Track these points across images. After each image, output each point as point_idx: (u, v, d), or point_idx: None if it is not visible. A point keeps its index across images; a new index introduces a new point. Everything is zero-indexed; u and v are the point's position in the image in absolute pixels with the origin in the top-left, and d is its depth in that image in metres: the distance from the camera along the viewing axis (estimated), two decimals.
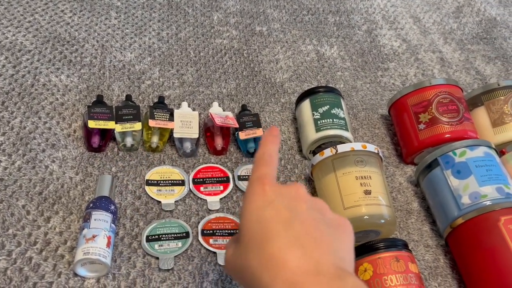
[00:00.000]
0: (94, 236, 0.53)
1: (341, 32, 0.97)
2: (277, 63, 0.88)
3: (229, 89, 0.81)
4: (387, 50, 0.94)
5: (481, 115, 0.74)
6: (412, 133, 0.71)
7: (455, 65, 0.93)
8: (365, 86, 0.86)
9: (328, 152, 0.63)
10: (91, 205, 0.57)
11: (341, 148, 0.63)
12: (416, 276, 0.52)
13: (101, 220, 0.55)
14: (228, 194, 0.65)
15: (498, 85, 0.73)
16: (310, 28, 0.97)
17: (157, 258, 0.56)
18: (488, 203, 0.58)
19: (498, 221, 0.56)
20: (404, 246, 0.55)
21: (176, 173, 0.66)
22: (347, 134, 0.70)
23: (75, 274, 0.53)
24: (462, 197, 0.60)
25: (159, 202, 0.63)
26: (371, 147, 0.63)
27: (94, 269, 0.53)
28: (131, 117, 0.69)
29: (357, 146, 0.63)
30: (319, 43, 0.94)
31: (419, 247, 0.63)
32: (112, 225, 0.56)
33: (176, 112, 0.71)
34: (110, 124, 0.67)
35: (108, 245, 0.54)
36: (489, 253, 0.55)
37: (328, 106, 0.72)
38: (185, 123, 0.70)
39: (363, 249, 0.54)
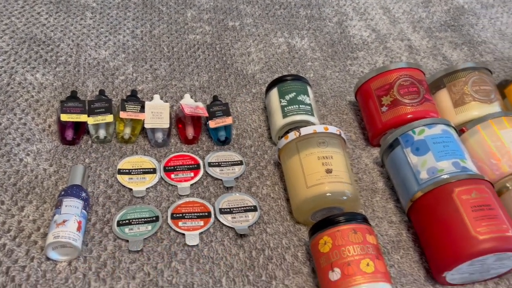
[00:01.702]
0: (64, 221, 0.56)
1: (312, 24, 1.00)
2: (249, 55, 0.90)
3: (201, 82, 0.84)
4: (357, 40, 0.97)
5: (443, 97, 0.77)
6: (376, 116, 0.74)
7: (423, 51, 0.95)
8: (334, 74, 0.88)
9: (292, 135, 0.66)
10: (62, 193, 0.59)
11: (304, 131, 0.65)
12: (373, 247, 0.55)
13: (71, 206, 0.57)
14: (198, 180, 0.68)
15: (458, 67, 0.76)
16: (282, 21, 1.00)
17: (127, 241, 0.58)
18: (444, 176, 0.60)
19: (452, 193, 0.58)
20: (363, 220, 0.57)
21: (147, 162, 0.69)
22: (313, 119, 0.72)
23: (47, 258, 0.55)
24: (420, 172, 0.62)
25: (130, 189, 0.65)
26: (333, 129, 0.66)
27: (65, 253, 0.55)
28: (103, 110, 0.71)
29: (319, 128, 0.65)
30: (290, 35, 0.96)
31: (383, 223, 0.65)
32: (83, 211, 0.58)
33: (147, 104, 0.73)
34: (83, 117, 0.70)
35: (78, 229, 0.56)
36: (444, 222, 0.57)
37: (294, 93, 0.74)
38: (156, 114, 0.72)
39: (324, 224, 0.56)
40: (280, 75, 0.86)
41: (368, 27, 1.00)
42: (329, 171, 0.62)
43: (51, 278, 0.54)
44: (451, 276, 0.57)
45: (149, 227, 0.60)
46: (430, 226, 0.59)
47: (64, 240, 0.54)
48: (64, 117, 0.69)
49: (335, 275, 0.53)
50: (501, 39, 1.00)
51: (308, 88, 0.76)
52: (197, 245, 0.59)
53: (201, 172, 0.68)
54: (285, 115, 0.72)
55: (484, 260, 0.54)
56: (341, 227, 0.55)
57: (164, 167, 0.68)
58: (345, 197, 0.62)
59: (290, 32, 0.97)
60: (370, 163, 0.73)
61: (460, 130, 0.71)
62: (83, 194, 0.60)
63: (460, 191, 0.58)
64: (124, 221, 0.60)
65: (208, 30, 0.95)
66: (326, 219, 0.57)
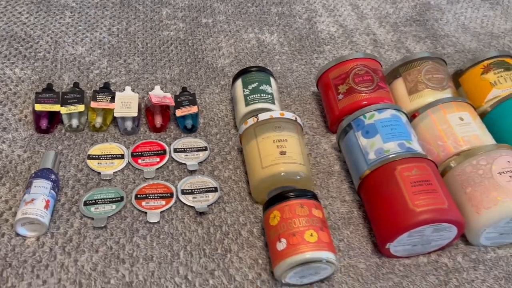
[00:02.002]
0: (33, 200, 0.60)
1: (282, 21, 1.04)
2: (219, 50, 0.95)
3: (172, 75, 0.88)
4: (324, 35, 1.01)
5: (399, 85, 0.81)
6: (333, 103, 0.78)
7: (387, 45, 1.00)
8: (300, 67, 0.93)
9: (251, 121, 0.70)
10: (33, 175, 0.64)
11: (262, 116, 0.69)
12: (319, 220, 0.59)
13: (40, 187, 0.62)
14: (164, 164, 0.72)
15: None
16: (253, 18, 1.04)
17: (93, 218, 0.63)
18: (390, 156, 0.64)
19: (395, 170, 0.62)
20: (312, 196, 0.61)
21: (116, 148, 0.73)
22: (274, 107, 0.77)
23: (17, 234, 0.59)
24: (369, 153, 0.67)
25: (99, 173, 0.69)
26: (289, 115, 0.70)
27: (33, 229, 0.60)
28: (76, 100, 0.76)
29: (276, 114, 0.69)
30: (261, 31, 1.01)
31: (336, 202, 0.69)
32: (52, 191, 0.63)
33: (117, 94, 0.78)
34: (56, 107, 0.74)
35: (46, 207, 0.60)
36: (387, 197, 0.61)
37: (257, 83, 0.78)
38: (125, 104, 0.77)
39: (274, 200, 0.60)
40: None
41: (336, 23, 1.05)
42: (283, 153, 0.66)
43: (20, 252, 0.58)
44: (394, 248, 0.61)
45: (114, 207, 0.64)
46: (375, 201, 0.63)
47: (31, 217, 0.58)
48: (38, 107, 0.73)
49: (281, 245, 0.57)
50: (463, 32, 1.05)
51: (271, 79, 0.81)
52: (158, 222, 0.63)
53: (167, 157, 0.73)
54: (247, 104, 0.76)
55: (422, 231, 0.58)
56: (289, 202, 0.59)
57: (132, 153, 0.73)
58: (298, 177, 0.66)
59: (260, 28, 1.01)
60: (328, 148, 0.77)
61: (412, 116, 0.75)
62: (53, 177, 0.64)
63: (402, 168, 0.62)
64: (90, 201, 0.65)
65: (182, 27, 1.00)
66: (276, 196, 0.61)
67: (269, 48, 0.96)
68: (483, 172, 0.63)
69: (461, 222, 0.59)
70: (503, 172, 0.62)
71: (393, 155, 0.64)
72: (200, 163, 0.73)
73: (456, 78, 0.85)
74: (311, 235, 0.57)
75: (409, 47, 1.00)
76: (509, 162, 0.63)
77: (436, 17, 1.09)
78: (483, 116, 0.77)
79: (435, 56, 0.82)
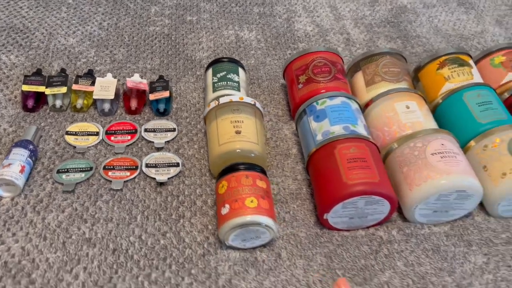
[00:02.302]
0: (9, 164, 0.68)
1: (262, 20, 1.11)
2: (199, 44, 1.02)
3: (153, 65, 0.96)
4: (300, 33, 1.08)
5: (359, 78, 0.87)
6: (294, 92, 0.84)
7: (358, 44, 1.06)
8: (273, 62, 0.99)
9: (213, 104, 0.77)
10: (13, 144, 0.71)
11: (222, 100, 0.76)
12: (262, 190, 0.65)
13: (18, 154, 0.69)
14: (134, 142, 0.79)
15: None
16: (236, 17, 1.12)
17: (63, 184, 0.70)
18: (333, 136, 0.70)
19: (335, 149, 0.68)
20: (258, 170, 0.67)
21: (92, 127, 0.81)
22: (238, 94, 0.83)
23: None
24: (317, 135, 0.72)
25: (74, 147, 0.77)
26: (248, 100, 0.77)
27: (9, 190, 0.67)
28: (60, 83, 0.84)
29: (235, 98, 0.76)
30: (240, 28, 1.08)
31: (288, 180, 0.75)
32: (29, 159, 0.70)
33: (98, 79, 0.86)
34: (41, 88, 0.82)
35: (21, 171, 0.68)
36: (325, 172, 0.67)
37: (225, 72, 0.85)
38: (104, 87, 0.84)
39: (224, 171, 0.67)
40: None
41: (313, 23, 1.11)
42: (238, 132, 0.73)
43: None
44: (332, 219, 0.66)
45: (83, 175, 0.71)
46: (317, 176, 0.69)
47: (7, 178, 0.66)
48: (25, 87, 0.81)
49: (225, 210, 0.63)
50: (434, 34, 1.10)
51: (240, 69, 0.87)
52: (121, 189, 0.70)
53: (137, 136, 0.80)
54: (214, 90, 0.83)
55: (355, 202, 0.64)
56: (236, 173, 0.66)
57: (106, 131, 0.80)
58: (253, 155, 0.72)
59: (240, 26, 1.09)
60: (289, 133, 0.84)
61: (366, 105, 0.81)
62: (31, 147, 0.72)
63: (341, 147, 0.68)
64: (63, 170, 0.72)
65: (167, 23, 1.08)
66: (226, 168, 0.67)
67: (246, 44, 1.03)
68: (418, 153, 0.68)
69: (391, 196, 0.64)
70: (435, 153, 0.67)
71: (336, 136, 0.70)
72: (168, 142, 0.80)
73: (416, 73, 0.90)
74: (252, 201, 0.63)
75: (380, 46, 1.05)
76: (442, 144, 0.68)
77: (410, 20, 1.14)
78: (436, 108, 0.83)
79: (394, 51, 0.88)
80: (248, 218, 0.61)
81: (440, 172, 0.65)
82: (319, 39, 1.06)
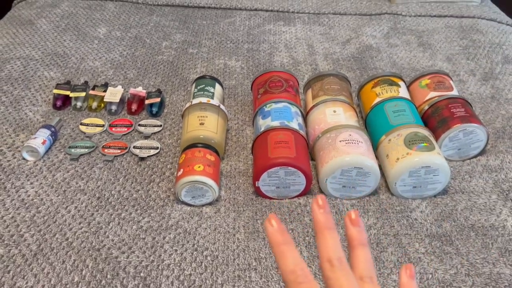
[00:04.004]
0: (35, 138, 0.95)
1: (249, 54, 1.38)
2: (194, 69, 1.29)
3: (155, 82, 1.23)
4: (276, 63, 1.33)
5: (309, 93, 1.09)
6: (255, 101, 1.08)
7: None
8: (249, 83, 1.24)
9: (187, 104, 1.02)
10: (40, 127, 0.99)
11: (194, 101, 1.01)
12: (209, 161, 0.87)
13: (42, 132, 0.97)
14: (129, 132, 1.05)
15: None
16: (228, 51, 1.39)
17: (70, 154, 0.96)
18: (270, 128, 0.92)
19: (268, 135, 0.90)
20: (210, 148, 0.90)
21: (100, 121, 1.07)
22: (211, 101, 1.08)
23: (23, 158, 0.93)
24: (261, 128, 0.95)
25: (85, 133, 1.03)
26: (214, 102, 1.01)
27: (32, 155, 0.93)
28: (81, 89, 1.12)
29: (204, 100, 1.01)
30: (229, 59, 1.35)
31: (240, 163, 0.97)
32: (50, 137, 0.97)
33: (109, 88, 1.13)
34: (67, 92, 1.11)
35: (43, 143, 0.94)
36: (259, 152, 0.88)
37: (204, 85, 1.11)
38: (113, 94, 1.12)
39: (185, 149, 0.90)
40: None
41: (290, 56, 1.36)
42: (201, 124, 0.96)
43: (22, 167, 0.91)
44: (263, 187, 0.87)
45: (87, 150, 0.97)
46: (254, 155, 0.91)
47: (32, 145, 0.92)
48: (56, 91, 1.10)
49: (180, 172, 0.86)
50: (390, 67, 1.32)
51: (217, 84, 1.12)
52: (112, 161, 0.95)
53: (132, 128, 1.06)
54: (194, 97, 1.08)
55: (277, 172, 0.85)
56: (192, 149, 0.89)
57: (110, 124, 1.06)
58: (213, 141, 0.95)
59: (230, 57, 1.36)
60: (249, 133, 1.06)
61: (308, 110, 1.03)
62: (52, 129, 0.99)
63: (273, 134, 0.90)
64: (73, 146, 0.98)
65: (173, 54, 1.36)
66: (187, 146, 0.90)
67: (231, 70, 1.30)
68: (331, 141, 0.89)
69: (304, 169, 0.85)
70: (342, 140, 0.88)
71: (272, 127, 0.92)
72: (154, 133, 1.05)
73: (359, 92, 1.12)
74: (199, 167, 0.85)
75: None
76: (350, 135, 0.89)
77: (373, 56, 1.37)
78: (367, 116, 1.03)
79: (338, 73, 1.10)
80: (195, 177, 0.84)
81: (342, 153, 0.85)
82: (291, 68, 1.31)
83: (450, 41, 1.45)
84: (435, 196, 0.89)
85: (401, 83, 1.08)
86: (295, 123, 0.95)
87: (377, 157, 0.93)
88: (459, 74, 1.29)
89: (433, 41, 1.45)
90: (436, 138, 0.96)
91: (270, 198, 0.89)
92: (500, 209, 0.85)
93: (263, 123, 0.96)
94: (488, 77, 1.27)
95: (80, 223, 0.81)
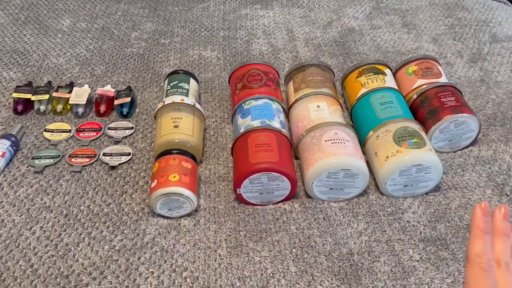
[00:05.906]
0: None
1: (225, 42, 1.30)
2: (167, 61, 1.21)
3: (125, 78, 1.14)
4: (255, 52, 1.25)
5: (290, 86, 1.03)
6: (234, 97, 1.00)
7: (304, 60, 1.22)
8: (227, 75, 1.16)
9: (160, 104, 0.94)
10: (0, 137, 0.90)
11: (167, 100, 0.93)
12: (185, 169, 0.80)
13: (2, 143, 0.88)
14: (98, 137, 0.97)
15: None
16: (203, 40, 1.30)
17: (34, 166, 0.88)
18: (251, 128, 0.85)
19: (249, 137, 0.83)
20: (186, 154, 0.83)
21: (66, 126, 0.99)
22: (186, 99, 1.00)
23: None
24: (241, 129, 0.88)
25: (49, 141, 0.95)
26: (188, 101, 0.93)
27: None
28: (44, 92, 1.03)
29: (177, 99, 0.93)
30: (205, 49, 1.26)
31: (220, 166, 0.90)
32: (10, 148, 0.89)
33: (75, 89, 1.05)
34: (28, 96, 1.02)
35: (2, 156, 0.86)
36: (239, 155, 0.82)
37: (177, 81, 1.03)
38: (79, 95, 1.03)
39: (159, 156, 0.83)
40: None
41: (269, 43, 1.29)
42: (176, 126, 0.89)
43: None
44: (245, 193, 0.81)
45: (52, 160, 0.89)
46: (234, 160, 0.84)
47: None
48: (15, 95, 1.01)
49: (154, 184, 0.79)
50: (375, 51, 1.25)
51: (191, 79, 1.05)
52: (79, 171, 0.87)
53: (101, 132, 0.98)
54: (167, 95, 1.00)
55: (259, 178, 0.78)
56: (166, 156, 0.82)
57: (77, 129, 0.98)
58: (188, 144, 0.88)
59: (205, 46, 1.27)
60: (229, 132, 0.99)
61: (290, 106, 0.96)
62: (13, 139, 0.90)
63: (253, 136, 0.83)
64: (37, 156, 0.90)
65: (143, 45, 1.27)
66: (161, 152, 0.83)
67: (207, 61, 1.21)
68: (316, 140, 0.83)
69: (289, 173, 0.79)
70: (328, 140, 0.81)
71: (252, 127, 0.86)
72: (125, 137, 0.97)
73: (342, 82, 1.06)
74: (174, 176, 0.78)
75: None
76: (336, 133, 0.83)
77: (355, 39, 1.30)
78: (352, 109, 0.97)
79: (320, 63, 1.03)
80: (170, 189, 0.77)
81: (328, 154, 0.79)
82: (271, 57, 1.23)
83: (435, 20, 1.39)
84: (427, 193, 0.84)
85: (387, 70, 1.01)
86: (277, 122, 0.89)
87: (364, 153, 0.87)
88: (446, 56, 1.23)
89: (418, 21, 1.38)
90: (426, 130, 0.91)
91: (253, 205, 0.83)
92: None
93: (243, 123, 0.89)
94: (476, 58, 1.22)
95: (46, 246, 0.74)
